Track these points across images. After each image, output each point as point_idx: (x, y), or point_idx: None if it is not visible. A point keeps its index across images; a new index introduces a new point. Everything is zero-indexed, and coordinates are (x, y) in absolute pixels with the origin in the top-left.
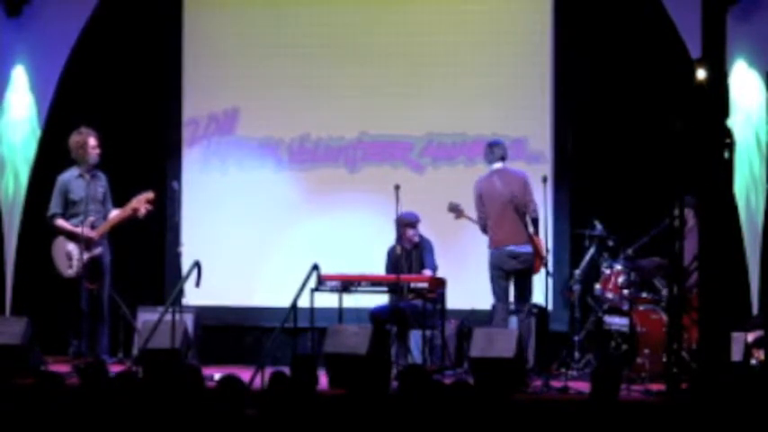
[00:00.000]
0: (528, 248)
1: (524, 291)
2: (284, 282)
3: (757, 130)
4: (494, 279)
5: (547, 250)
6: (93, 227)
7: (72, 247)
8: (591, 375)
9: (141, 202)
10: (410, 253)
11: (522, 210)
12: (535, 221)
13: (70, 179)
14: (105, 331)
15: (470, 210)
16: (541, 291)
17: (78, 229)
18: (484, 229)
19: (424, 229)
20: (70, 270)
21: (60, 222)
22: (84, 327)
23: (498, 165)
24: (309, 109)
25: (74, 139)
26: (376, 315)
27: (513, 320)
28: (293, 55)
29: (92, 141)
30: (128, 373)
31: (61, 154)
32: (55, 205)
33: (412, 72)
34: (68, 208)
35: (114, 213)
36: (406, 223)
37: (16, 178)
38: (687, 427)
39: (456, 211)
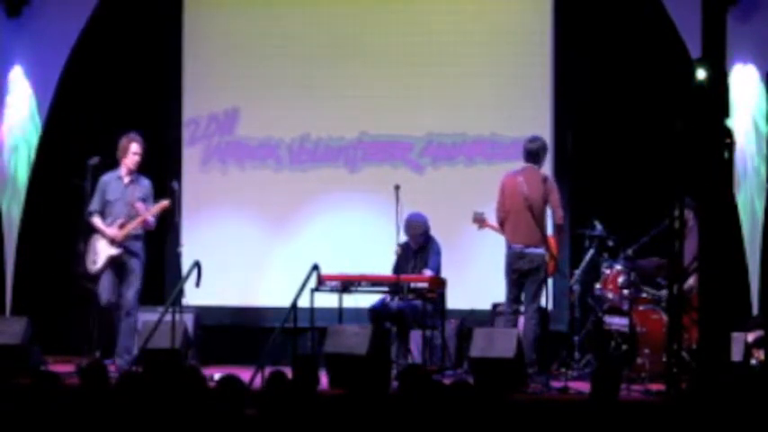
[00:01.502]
0: (538, 250)
1: (530, 292)
2: (284, 282)
3: (757, 129)
4: (505, 276)
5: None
6: (121, 228)
7: (100, 245)
8: (591, 376)
9: (157, 209)
10: (416, 253)
11: (537, 212)
12: (560, 228)
13: (110, 180)
14: (127, 331)
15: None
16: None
17: (106, 228)
18: (501, 223)
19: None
20: (94, 266)
21: (94, 220)
22: (92, 325)
23: (532, 164)
24: (309, 109)
25: (121, 141)
26: (375, 312)
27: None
28: (293, 55)
29: (134, 147)
30: (133, 374)
31: (62, 154)
32: (93, 203)
33: (412, 72)
34: (105, 207)
35: (136, 219)
36: (412, 228)
37: (16, 178)
38: (687, 427)
39: (479, 221)
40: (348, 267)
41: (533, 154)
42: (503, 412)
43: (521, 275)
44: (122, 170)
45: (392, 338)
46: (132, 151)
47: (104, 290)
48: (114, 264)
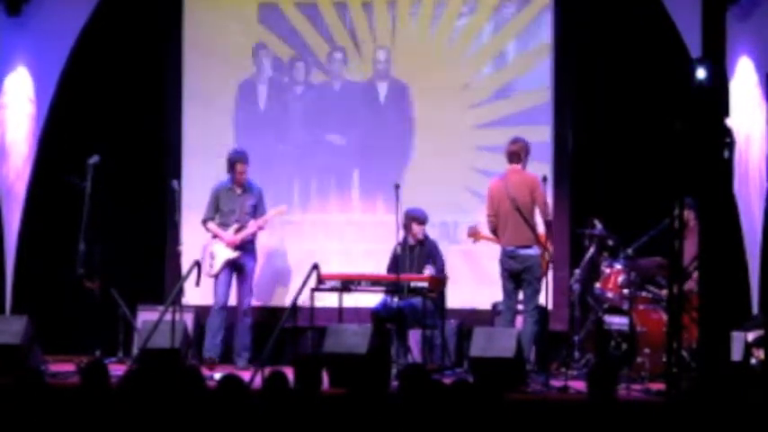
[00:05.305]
0: (529, 251)
1: (527, 292)
2: (284, 282)
3: (757, 128)
4: (501, 278)
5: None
6: (236, 232)
7: (216, 249)
8: (587, 376)
9: (274, 214)
10: (413, 251)
11: (525, 212)
12: (548, 224)
13: (221, 189)
14: (245, 331)
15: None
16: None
17: (223, 233)
18: (493, 230)
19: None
20: (211, 270)
21: (210, 225)
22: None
23: (515, 165)
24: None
25: (228, 156)
26: (377, 314)
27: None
28: (293, 55)
29: (238, 168)
30: (137, 373)
31: (61, 153)
32: (208, 211)
33: (412, 71)
34: (220, 216)
35: (251, 224)
36: (413, 218)
37: (16, 177)
38: (687, 427)
39: (474, 234)
40: (348, 267)
41: (515, 155)
42: (502, 412)
43: (514, 276)
44: (233, 181)
45: (392, 338)
46: (238, 171)
47: (220, 292)
48: (230, 266)
